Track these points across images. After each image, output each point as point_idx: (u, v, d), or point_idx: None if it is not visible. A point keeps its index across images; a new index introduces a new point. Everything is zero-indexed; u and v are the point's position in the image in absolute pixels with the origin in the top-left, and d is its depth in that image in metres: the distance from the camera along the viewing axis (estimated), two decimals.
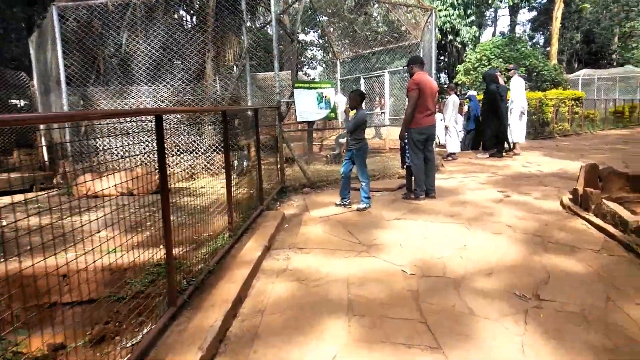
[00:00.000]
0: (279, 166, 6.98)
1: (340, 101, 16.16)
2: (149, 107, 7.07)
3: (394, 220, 5.15)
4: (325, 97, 7.08)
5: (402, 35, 12.61)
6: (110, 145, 7.22)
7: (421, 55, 8.74)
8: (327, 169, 8.45)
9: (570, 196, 5.58)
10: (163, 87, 7.24)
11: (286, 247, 4.36)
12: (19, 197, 6.75)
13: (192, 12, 9.11)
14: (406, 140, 6.03)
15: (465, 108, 12.05)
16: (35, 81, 9.70)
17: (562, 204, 5.57)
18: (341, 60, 14.99)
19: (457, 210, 5.49)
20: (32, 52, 9.38)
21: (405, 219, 5.22)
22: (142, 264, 3.76)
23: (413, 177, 6.15)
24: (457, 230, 4.70)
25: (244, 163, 8.55)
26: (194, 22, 9.51)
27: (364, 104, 5.82)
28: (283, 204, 6.32)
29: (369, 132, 15.28)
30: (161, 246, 2.89)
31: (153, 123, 2.64)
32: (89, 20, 7.02)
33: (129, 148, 6.82)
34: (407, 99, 6.12)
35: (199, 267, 3.42)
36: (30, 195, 7.10)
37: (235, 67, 9.80)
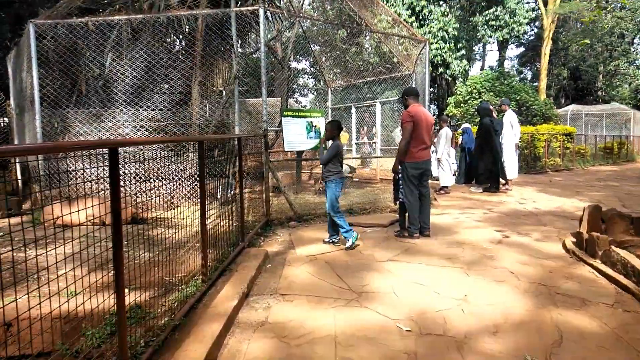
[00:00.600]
0: (264, 197, 6.56)
1: None
2: (128, 131, 6.67)
3: (387, 262, 4.74)
4: (315, 126, 6.75)
5: (395, 66, 12.50)
6: (81, 169, 6.76)
7: (413, 86, 8.50)
8: (316, 200, 8.05)
9: (574, 239, 5.24)
10: (143, 111, 6.85)
11: (267, 293, 3.91)
12: None
13: (180, 35, 8.81)
14: (400, 175, 5.68)
15: (459, 140, 11.82)
16: (11, 100, 9.26)
17: (565, 247, 5.22)
18: (332, 88, 14.82)
19: (454, 252, 5.10)
20: (9, 70, 8.98)
21: (399, 260, 4.81)
22: (101, 311, 3.28)
23: (407, 214, 5.77)
24: (455, 276, 4.30)
25: (229, 191, 8.12)
26: (181, 46, 9.23)
27: (343, 134, 5.56)
28: (267, 239, 5.88)
29: (354, 163, 14.98)
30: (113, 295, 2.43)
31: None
32: (68, 40, 6.65)
33: (101, 173, 6.34)
34: (399, 131, 5.81)
35: (164, 320, 2.95)
36: None
37: (224, 92, 9.49)
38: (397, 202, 5.99)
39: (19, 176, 9.28)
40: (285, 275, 4.35)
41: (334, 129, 5.30)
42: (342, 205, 7.82)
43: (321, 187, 9.07)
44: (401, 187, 5.76)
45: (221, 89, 9.85)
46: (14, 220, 6.76)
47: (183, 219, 4.86)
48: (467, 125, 11.74)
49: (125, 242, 4.20)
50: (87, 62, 6.84)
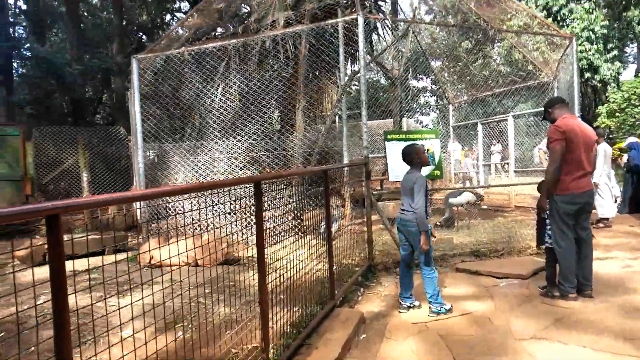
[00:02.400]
0: (366, 236, 5.49)
1: (455, 150, 14.32)
2: (222, 163, 6.22)
3: (531, 342, 3.30)
4: (428, 150, 5.52)
5: (529, 74, 10.62)
6: (181, 209, 6.43)
7: (557, 96, 6.77)
8: (432, 238, 6.72)
9: None
10: (238, 142, 6.36)
11: None
12: (85, 263, 6.13)
13: (280, 59, 8.31)
14: (547, 212, 4.18)
15: (624, 158, 9.40)
16: (132, 136, 9.63)
17: None
18: (455, 105, 13.29)
19: (637, 326, 3.44)
20: (129, 106, 9.36)
21: (548, 339, 3.33)
22: None
23: (558, 265, 4.21)
24: None
25: (334, 225, 7.21)
26: (282, 70, 8.72)
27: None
28: (368, 290, 4.77)
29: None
30: None
31: None
32: (165, 72, 6.49)
33: (199, 212, 5.88)
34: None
35: None
36: (99, 259, 6.55)
37: (328, 117, 8.75)
38: (544, 247, 4.45)
39: (139, 215, 9.52)
40: (382, 357, 3.20)
41: (419, 153, 4.11)
42: (465, 244, 6.38)
43: (440, 221, 7.69)
44: (549, 227, 4.23)
45: (328, 114, 9.13)
46: (119, 257, 6.68)
47: (278, 259, 4.03)
48: (634, 139, 9.24)
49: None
50: (183, 94, 6.61)
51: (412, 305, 4.09)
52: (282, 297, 3.40)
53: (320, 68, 7.81)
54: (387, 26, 10.53)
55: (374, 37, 11.76)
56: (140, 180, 6.79)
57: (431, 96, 35.70)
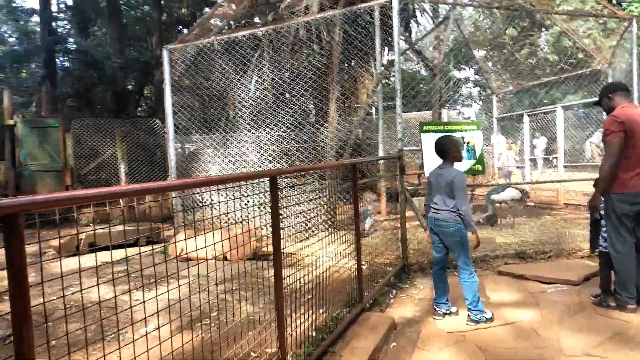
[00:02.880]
0: (399, 234, 5.18)
1: (498, 142, 13.63)
2: (251, 155, 6.05)
3: (583, 359, 2.93)
4: (469, 142, 5.14)
5: (580, 62, 9.88)
6: (211, 200, 6.33)
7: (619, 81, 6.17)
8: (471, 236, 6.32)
9: None
10: (267, 134, 6.17)
11: None
12: (118, 254, 6.12)
13: (314, 49, 8.05)
14: (602, 212, 3.75)
15: None
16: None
17: None
18: (499, 96, 12.63)
19: None
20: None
21: (603, 357, 2.95)
22: None
23: (613, 272, 3.78)
24: None
25: (367, 221, 6.93)
26: (314, 60, 8.46)
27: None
28: (401, 292, 4.48)
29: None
30: None
31: None
32: (196, 63, 6.37)
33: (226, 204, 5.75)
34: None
35: None
36: (131, 251, 6.56)
37: (361, 109, 8.43)
38: (597, 251, 4.02)
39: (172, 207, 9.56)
40: None
41: (455, 146, 3.76)
42: (508, 245, 5.96)
43: (482, 218, 7.25)
44: (604, 228, 3.81)
45: (360, 105, 8.82)
46: (149, 248, 6.68)
47: (306, 256, 3.79)
48: None
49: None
50: (214, 85, 6.48)
51: (448, 311, 3.77)
52: (309, 297, 3.19)
53: (355, 56, 7.50)
54: (427, 12, 10.06)
55: (413, 25, 11.30)
56: (172, 173, 6.74)
57: (474, 87, 34.48)
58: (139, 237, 6.83)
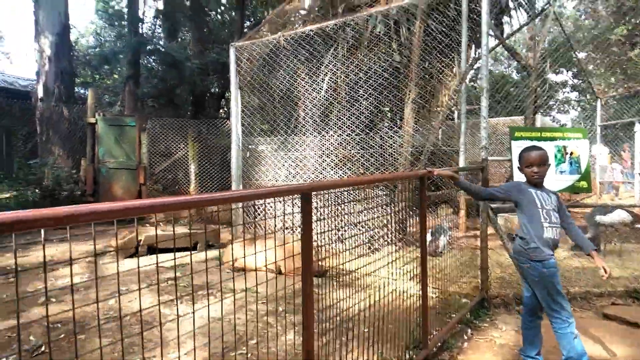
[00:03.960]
0: (479, 261, 4.37)
1: (600, 153, 11.93)
2: (312, 160, 5.53)
3: None
4: (572, 153, 4.19)
5: None
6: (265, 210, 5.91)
7: None
8: (575, 263, 5.29)
9: None
10: (331, 137, 5.61)
11: None
12: (176, 258, 5.92)
13: (392, 47, 7.37)
14: None
15: None
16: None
17: None
18: (604, 100, 11.06)
19: None
20: None
21: None
22: None
23: None
24: None
25: (442, 240, 6.12)
26: (389, 57, 7.78)
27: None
28: (477, 334, 3.70)
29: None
30: None
31: None
32: (261, 61, 6.00)
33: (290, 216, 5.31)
34: None
35: None
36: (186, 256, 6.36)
37: (440, 113, 7.60)
38: None
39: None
40: None
41: (533, 162, 2.95)
42: (616, 279, 4.86)
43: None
44: None
45: (442, 108, 7.97)
46: (209, 254, 6.43)
47: (367, 274, 3.18)
48: None
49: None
50: (278, 84, 6.07)
51: None
52: (364, 329, 2.57)
53: (436, 53, 6.72)
54: (522, 5, 8.96)
55: (506, 20, 10.19)
56: (233, 175, 6.44)
57: (571, 91, 31.46)
58: (197, 242, 6.62)
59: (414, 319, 3.15)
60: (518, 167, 2.99)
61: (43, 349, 3.30)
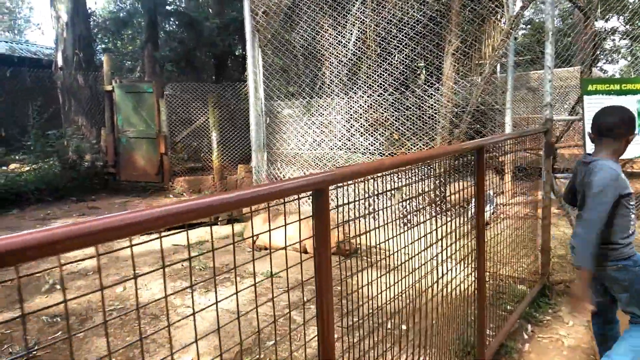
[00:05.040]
0: (539, 241, 3.70)
1: None
2: (339, 126, 4.87)
3: None
4: None
5: None
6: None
7: None
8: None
9: None
10: (361, 98, 4.89)
11: None
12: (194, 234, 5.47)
13: None
14: None
15: None
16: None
17: None
18: None
19: None
20: None
21: None
22: None
23: None
24: None
25: (487, 209, 5.43)
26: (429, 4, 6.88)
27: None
28: (539, 330, 3.10)
29: None
30: None
31: None
32: (280, 14, 5.27)
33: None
34: None
35: None
36: (206, 231, 5.90)
37: (486, 66, 6.72)
38: None
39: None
40: None
41: (629, 124, 2.23)
42: None
43: None
44: None
45: (485, 61, 7.07)
46: (229, 229, 5.98)
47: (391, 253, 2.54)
48: None
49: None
50: (298, 38, 5.34)
51: None
52: (399, 325, 1.98)
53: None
54: None
55: None
56: (254, 145, 5.86)
57: (621, 39, 28.93)
58: (218, 216, 6.15)
59: (465, 315, 2.54)
60: (609, 131, 2.23)
61: (36, 350, 2.91)
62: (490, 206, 5.61)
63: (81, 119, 10.64)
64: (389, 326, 1.85)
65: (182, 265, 4.46)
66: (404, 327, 1.94)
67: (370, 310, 1.67)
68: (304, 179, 1.16)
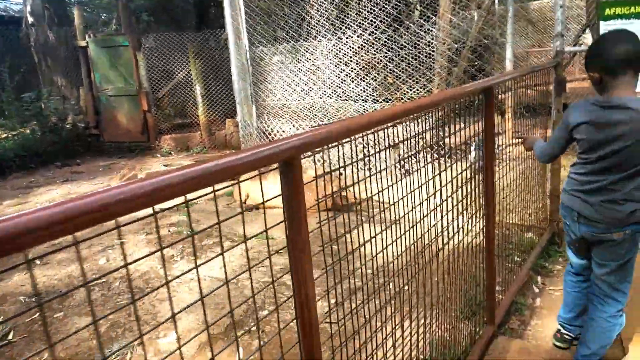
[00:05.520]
0: (548, 189, 3.44)
1: None
2: (328, 71, 4.46)
3: None
4: None
5: None
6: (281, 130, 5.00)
7: None
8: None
9: None
10: (350, 38, 4.44)
11: None
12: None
13: None
14: None
15: None
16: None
17: None
18: None
19: None
20: None
21: None
22: None
23: None
24: None
25: (475, 153, 5.13)
26: None
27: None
28: (550, 282, 2.90)
29: None
30: None
31: None
32: None
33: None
34: None
35: None
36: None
37: None
38: None
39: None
40: None
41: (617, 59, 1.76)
42: None
43: None
44: None
45: None
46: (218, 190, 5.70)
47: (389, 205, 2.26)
48: None
49: None
50: None
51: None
52: (399, 285, 1.74)
53: None
54: None
55: None
56: (237, 98, 5.46)
57: None
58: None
59: (472, 273, 2.30)
60: (620, 65, 1.74)
61: (11, 336, 2.70)
62: (479, 152, 5.32)
63: (60, 78, 10.05)
64: (390, 287, 1.60)
65: (169, 231, 4.22)
66: (405, 288, 1.70)
67: (365, 270, 1.40)
68: (267, 148, 0.86)
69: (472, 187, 2.16)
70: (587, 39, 6.79)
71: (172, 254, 3.74)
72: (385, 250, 1.49)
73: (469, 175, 2.19)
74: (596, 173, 1.82)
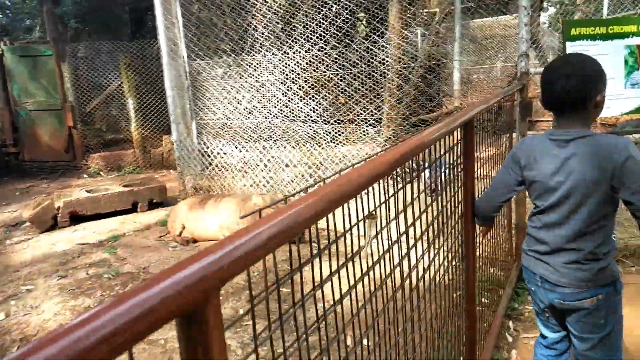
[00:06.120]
0: (511, 226, 3.20)
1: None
2: (273, 88, 4.05)
3: None
4: None
5: None
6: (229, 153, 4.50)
7: None
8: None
9: None
10: (297, 54, 4.05)
11: None
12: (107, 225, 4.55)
13: None
14: None
15: None
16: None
17: None
18: None
19: None
20: None
21: None
22: None
23: None
24: None
25: (430, 174, 4.90)
26: None
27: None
28: (522, 328, 2.61)
29: None
30: None
31: None
32: None
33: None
34: None
35: None
36: (127, 218, 4.97)
37: (436, 14, 6.06)
38: None
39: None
40: None
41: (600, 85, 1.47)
42: None
43: None
44: None
45: (434, 8, 6.40)
46: (152, 216, 5.10)
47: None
48: None
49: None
50: None
51: None
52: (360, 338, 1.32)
53: None
54: None
55: None
56: (172, 116, 4.93)
57: None
58: (137, 201, 5.20)
59: (444, 324, 1.94)
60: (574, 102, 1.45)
61: None
62: (434, 173, 5.11)
63: None
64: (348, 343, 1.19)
65: (87, 273, 3.59)
66: (365, 342, 1.29)
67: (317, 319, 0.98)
68: (156, 292, 0.42)
69: (446, 220, 1.79)
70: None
71: (87, 304, 3.14)
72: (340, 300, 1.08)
73: (427, 200, 1.82)
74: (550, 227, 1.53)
